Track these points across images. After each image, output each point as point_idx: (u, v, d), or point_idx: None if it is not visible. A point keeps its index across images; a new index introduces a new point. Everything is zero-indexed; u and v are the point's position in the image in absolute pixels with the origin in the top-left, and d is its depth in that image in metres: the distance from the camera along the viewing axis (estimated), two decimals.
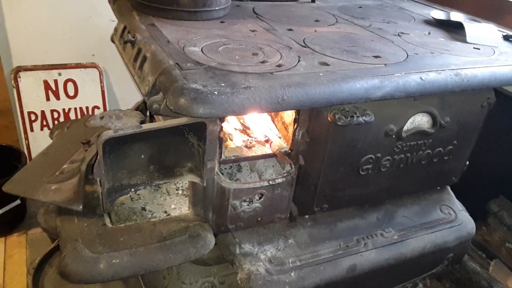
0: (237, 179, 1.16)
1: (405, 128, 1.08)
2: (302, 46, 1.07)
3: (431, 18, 1.46)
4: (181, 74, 0.83)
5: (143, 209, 1.10)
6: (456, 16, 1.47)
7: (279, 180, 1.00)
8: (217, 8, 1.20)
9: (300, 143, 1.03)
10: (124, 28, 1.14)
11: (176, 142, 0.91)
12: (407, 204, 1.27)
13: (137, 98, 1.57)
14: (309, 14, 1.38)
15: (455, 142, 1.19)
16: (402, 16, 1.49)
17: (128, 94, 1.81)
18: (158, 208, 1.12)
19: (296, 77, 0.88)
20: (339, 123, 0.94)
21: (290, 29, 1.19)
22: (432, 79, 0.97)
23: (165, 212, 1.11)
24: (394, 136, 1.07)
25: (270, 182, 0.99)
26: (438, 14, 1.48)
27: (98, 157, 0.78)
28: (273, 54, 0.99)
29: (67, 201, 0.95)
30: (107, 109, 1.78)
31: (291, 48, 1.04)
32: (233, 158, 1.00)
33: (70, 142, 1.21)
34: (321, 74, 0.90)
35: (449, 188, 1.38)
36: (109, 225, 0.98)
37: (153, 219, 1.03)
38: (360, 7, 1.56)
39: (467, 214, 1.34)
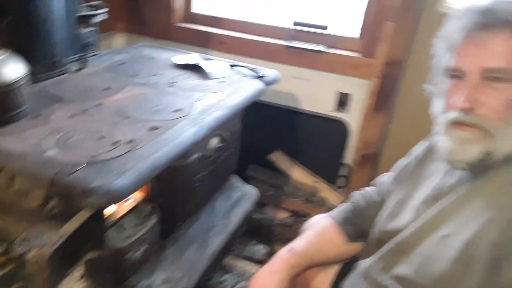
0: None
1: (209, 149, 1.57)
2: (124, 117, 1.31)
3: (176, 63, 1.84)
4: (73, 178, 1.01)
5: None
6: (193, 57, 1.94)
7: (153, 221, 1.32)
8: (26, 106, 1.28)
9: (154, 189, 1.37)
10: None
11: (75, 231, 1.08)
12: (219, 196, 1.80)
13: None
14: (95, 84, 1.53)
15: (233, 144, 1.78)
16: (157, 65, 1.79)
17: None
18: None
19: (151, 147, 1.15)
20: (183, 164, 1.34)
21: (99, 104, 1.39)
22: (220, 115, 1.42)
23: None
24: (206, 157, 1.55)
25: (149, 227, 1.29)
26: (179, 59, 1.84)
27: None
28: (113, 133, 1.22)
29: None
30: None
31: (118, 122, 1.31)
32: (114, 220, 1.24)
33: None
34: (163, 137, 1.24)
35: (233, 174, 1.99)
36: None
37: None
38: (122, 63, 1.80)
39: (249, 185, 2.00)
